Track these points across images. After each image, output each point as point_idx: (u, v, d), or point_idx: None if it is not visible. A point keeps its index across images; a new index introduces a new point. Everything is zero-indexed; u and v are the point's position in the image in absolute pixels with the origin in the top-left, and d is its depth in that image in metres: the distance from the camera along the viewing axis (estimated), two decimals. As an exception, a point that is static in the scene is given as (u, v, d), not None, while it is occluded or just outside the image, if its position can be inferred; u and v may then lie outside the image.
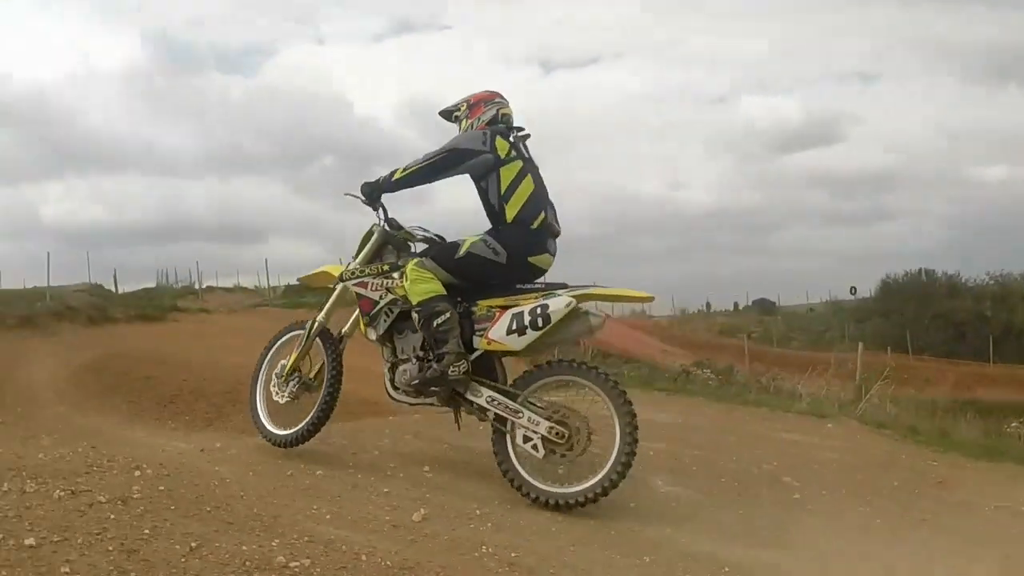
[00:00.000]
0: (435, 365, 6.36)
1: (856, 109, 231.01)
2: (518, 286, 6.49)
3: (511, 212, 6.47)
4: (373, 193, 6.82)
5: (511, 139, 6.67)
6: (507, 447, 6.43)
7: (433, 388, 6.48)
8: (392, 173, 6.63)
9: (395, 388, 6.77)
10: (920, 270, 55.16)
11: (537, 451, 6.29)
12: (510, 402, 6.38)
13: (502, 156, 6.51)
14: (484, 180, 6.57)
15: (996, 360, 43.48)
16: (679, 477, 8.28)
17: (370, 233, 7.04)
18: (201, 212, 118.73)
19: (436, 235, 6.98)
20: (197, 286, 42.65)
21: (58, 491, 5.63)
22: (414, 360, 6.58)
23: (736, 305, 71.93)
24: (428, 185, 6.74)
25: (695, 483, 8.14)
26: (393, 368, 6.77)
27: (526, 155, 6.70)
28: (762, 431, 11.02)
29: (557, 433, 6.21)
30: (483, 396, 6.45)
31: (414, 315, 6.46)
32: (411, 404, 6.82)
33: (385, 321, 6.74)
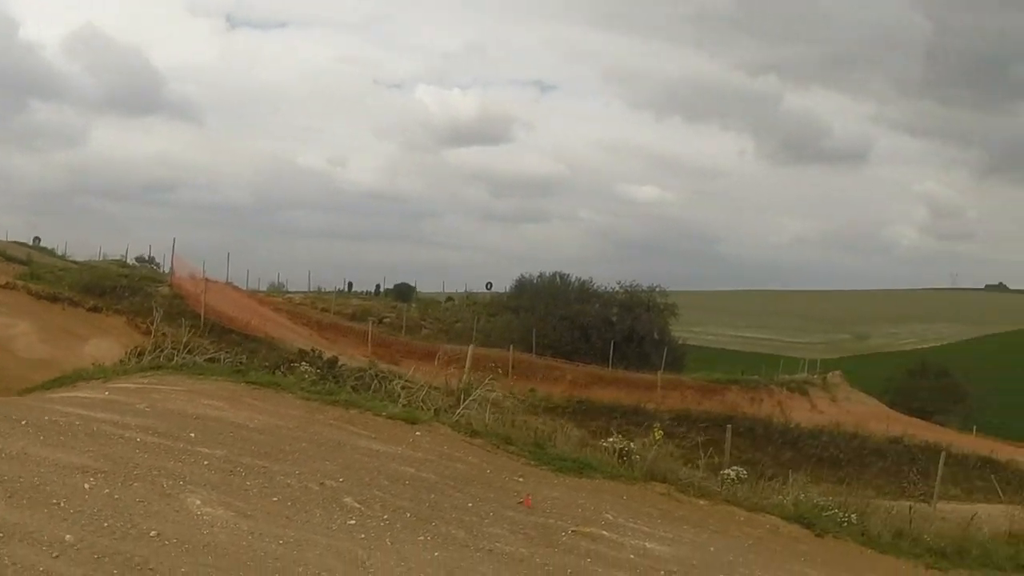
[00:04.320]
0: None
1: (529, 115, 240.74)
2: None
3: None
4: None
5: None
6: None
7: None
8: None
9: None
10: (555, 273, 56.90)
11: None
12: None
13: None
14: None
15: (617, 363, 45.22)
16: (227, 494, 7.18)
17: None
18: None
19: None
20: None
21: None
22: None
23: (378, 288, 71.45)
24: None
25: (244, 502, 7.06)
26: None
27: None
28: (342, 438, 10.03)
29: None
30: None
31: None
32: None
33: None
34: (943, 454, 20.18)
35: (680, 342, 57.07)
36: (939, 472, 18.53)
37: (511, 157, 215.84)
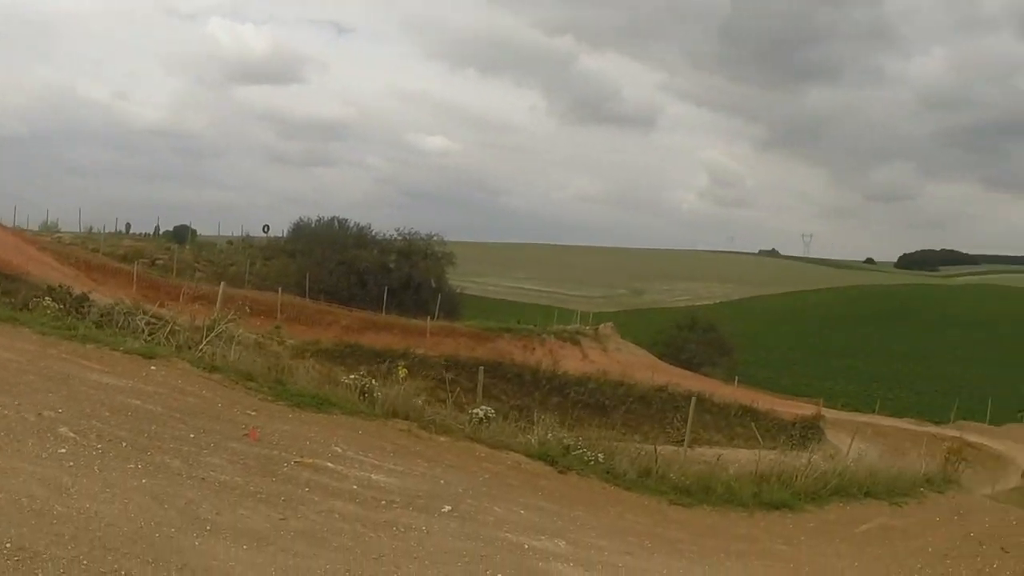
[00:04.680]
0: None
1: (324, 56, 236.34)
2: None
3: None
4: None
5: None
6: None
7: None
8: None
9: None
10: (333, 218, 56.54)
11: None
12: None
13: None
14: None
15: (394, 310, 45.39)
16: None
17: None
18: None
19: None
20: None
21: None
22: None
23: (157, 229, 69.35)
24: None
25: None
26: None
27: None
28: (72, 371, 9.83)
29: None
30: None
31: None
32: None
33: None
34: (693, 399, 21.17)
35: (459, 291, 57.73)
36: (690, 416, 19.51)
37: (302, 99, 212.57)
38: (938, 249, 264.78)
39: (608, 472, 12.55)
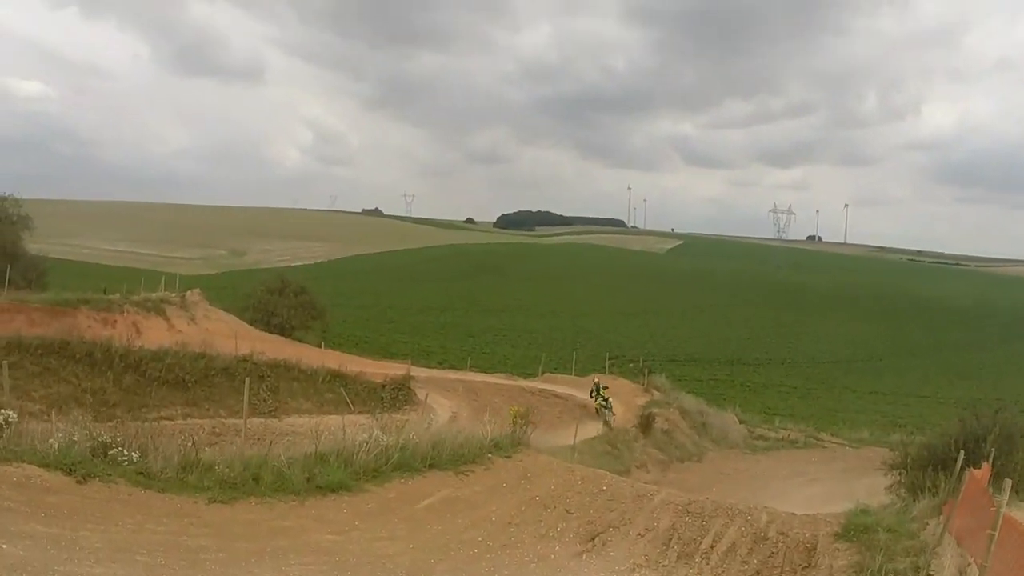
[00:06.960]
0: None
1: None
2: None
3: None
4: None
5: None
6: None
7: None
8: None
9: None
10: None
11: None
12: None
13: None
14: None
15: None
16: None
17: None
18: None
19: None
20: None
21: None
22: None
23: None
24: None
25: None
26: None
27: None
28: None
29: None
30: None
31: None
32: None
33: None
34: (248, 381, 20.79)
35: (44, 256, 53.67)
36: (246, 391, 19.06)
37: None
38: (535, 210, 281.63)
39: (142, 473, 11.83)
